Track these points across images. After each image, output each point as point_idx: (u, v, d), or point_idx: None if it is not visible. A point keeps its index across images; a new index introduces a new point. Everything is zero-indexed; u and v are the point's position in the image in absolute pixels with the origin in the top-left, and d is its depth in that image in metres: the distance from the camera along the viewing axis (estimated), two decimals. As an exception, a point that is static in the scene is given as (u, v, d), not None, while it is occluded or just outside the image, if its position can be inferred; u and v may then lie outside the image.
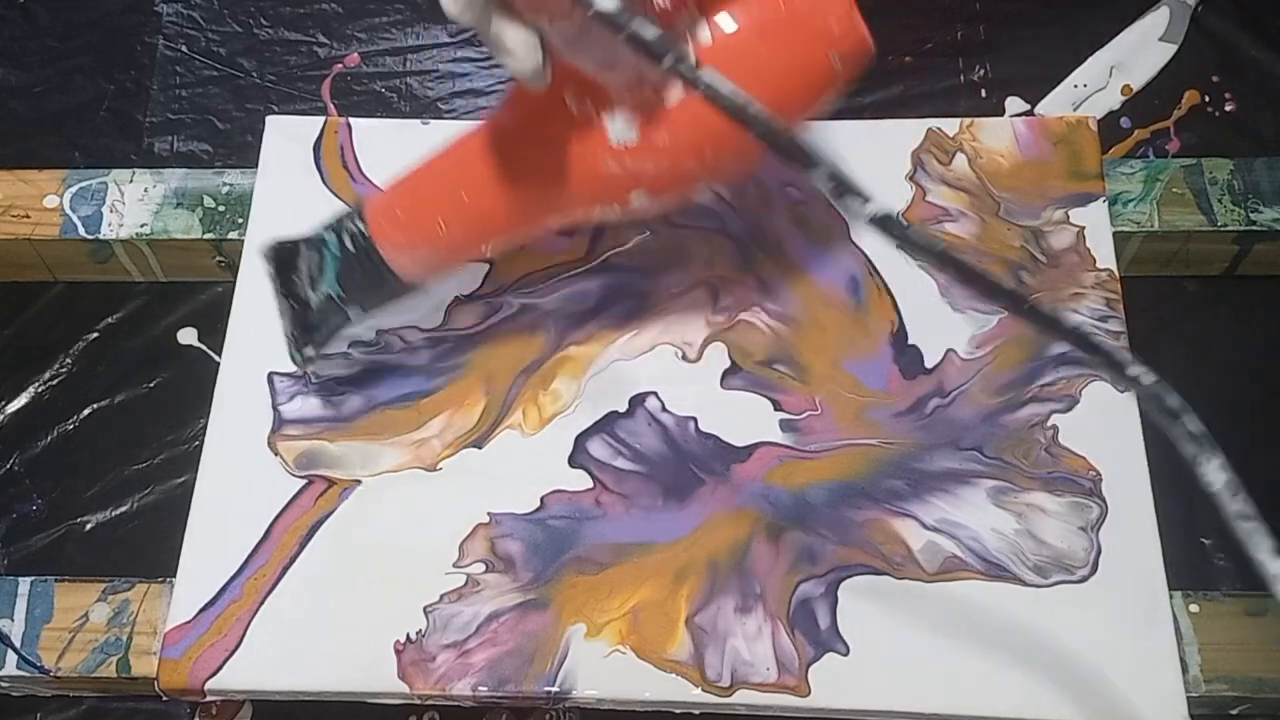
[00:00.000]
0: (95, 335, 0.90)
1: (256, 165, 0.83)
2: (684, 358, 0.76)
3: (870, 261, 0.78)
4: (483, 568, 0.70)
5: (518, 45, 0.52)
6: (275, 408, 0.75)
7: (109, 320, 0.90)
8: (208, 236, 0.84)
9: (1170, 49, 0.96)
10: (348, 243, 0.66)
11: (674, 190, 0.62)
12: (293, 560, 0.71)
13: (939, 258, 0.42)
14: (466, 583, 0.70)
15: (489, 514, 0.72)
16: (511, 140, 0.62)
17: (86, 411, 0.87)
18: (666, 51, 0.41)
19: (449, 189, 0.65)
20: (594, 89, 0.58)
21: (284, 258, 0.69)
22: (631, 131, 0.58)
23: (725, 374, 0.75)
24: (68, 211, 0.85)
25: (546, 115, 0.60)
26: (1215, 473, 0.41)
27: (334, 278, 0.67)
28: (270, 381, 0.76)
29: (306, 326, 0.69)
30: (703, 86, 0.42)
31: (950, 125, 0.82)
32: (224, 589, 0.70)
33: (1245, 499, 0.42)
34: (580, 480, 0.73)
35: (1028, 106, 0.95)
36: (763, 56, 0.58)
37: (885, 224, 0.42)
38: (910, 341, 0.75)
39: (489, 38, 0.52)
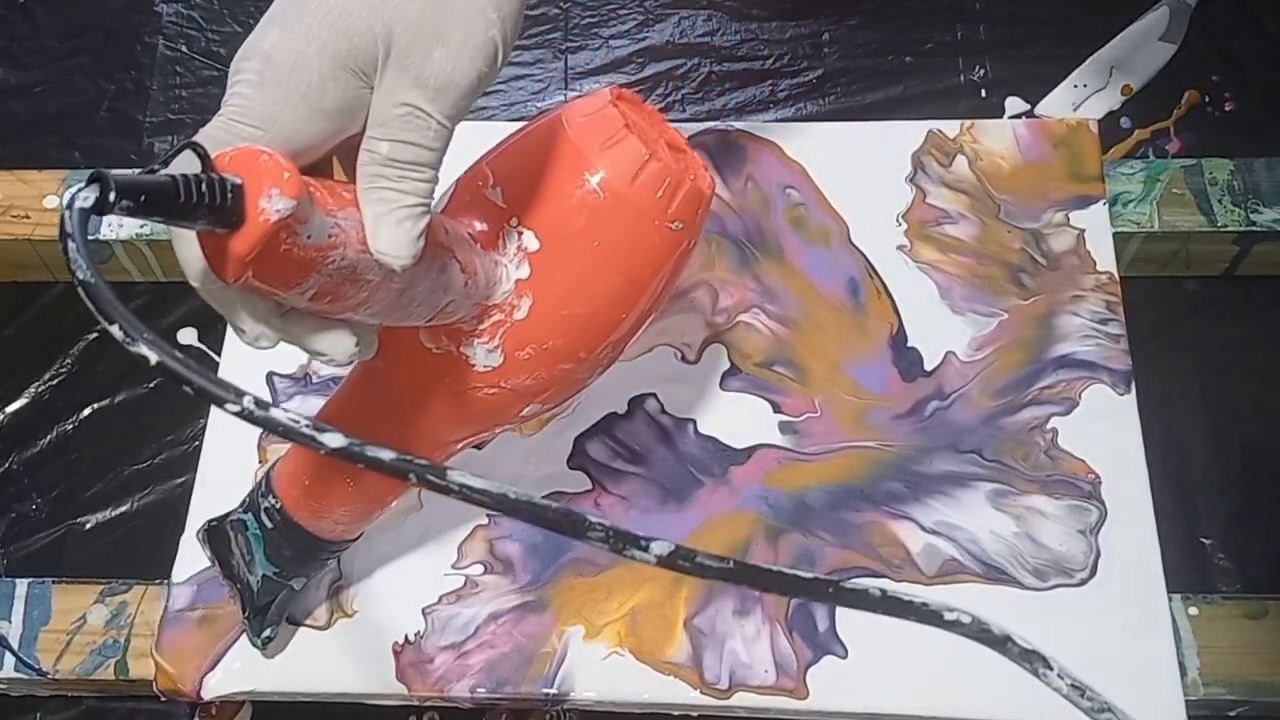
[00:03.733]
0: (95, 335, 0.90)
1: (256, 166, 0.83)
2: (683, 359, 0.76)
3: (870, 263, 0.78)
4: (481, 569, 0.70)
5: (331, 346, 0.47)
6: (275, 407, 0.75)
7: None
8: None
9: (1170, 49, 0.96)
10: (266, 520, 0.63)
11: (561, 392, 0.58)
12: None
13: (733, 575, 0.41)
14: (465, 584, 0.70)
15: (488, 515, 0.72)
16: (391, 386, 0.58)
17: (86, 411, 0.87)
18: (408, 470, 0.36)
19: None
20: (448, 331, 0.55)
21: (217, 541, 0.65)
22: (495, 356, 0.55)
23: (724, 376, 0.75)
24: (68, 212, 0.84)
25: (414, 358, 0.56)
26: (1057, 680, 0.44)
27: (264, 558, 0.63)
28: (270, 381, 0.76)
29: (256, 609, 0.65)
30: (456, 489, 0.38)
31: (950, 127, 0.82)
32: (221, 591, 0.70)
33: (1093, 694, 0.44)
34: (579, 481, 0.73)
35: (1028, 106, 0.95)
36: (595, 251, 0.54)
37: (673, 559, 0.40)
38: (910, 344, 0.75)
39: (300, 343, 0.47)
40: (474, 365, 0.55)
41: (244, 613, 0.65)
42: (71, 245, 0.35)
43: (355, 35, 0.44)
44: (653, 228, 0.54)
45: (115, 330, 0.35)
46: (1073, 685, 0.44)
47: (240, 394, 0.36)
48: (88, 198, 0.36)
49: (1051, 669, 0.44)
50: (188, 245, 0.44)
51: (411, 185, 0.45)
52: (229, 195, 0.39)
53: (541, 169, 0.54)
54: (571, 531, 0.39)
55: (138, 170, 0.38)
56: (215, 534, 0.65)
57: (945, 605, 0.44)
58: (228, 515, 0.65)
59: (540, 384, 0.56)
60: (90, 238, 0.83)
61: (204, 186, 0.39)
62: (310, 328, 0.47)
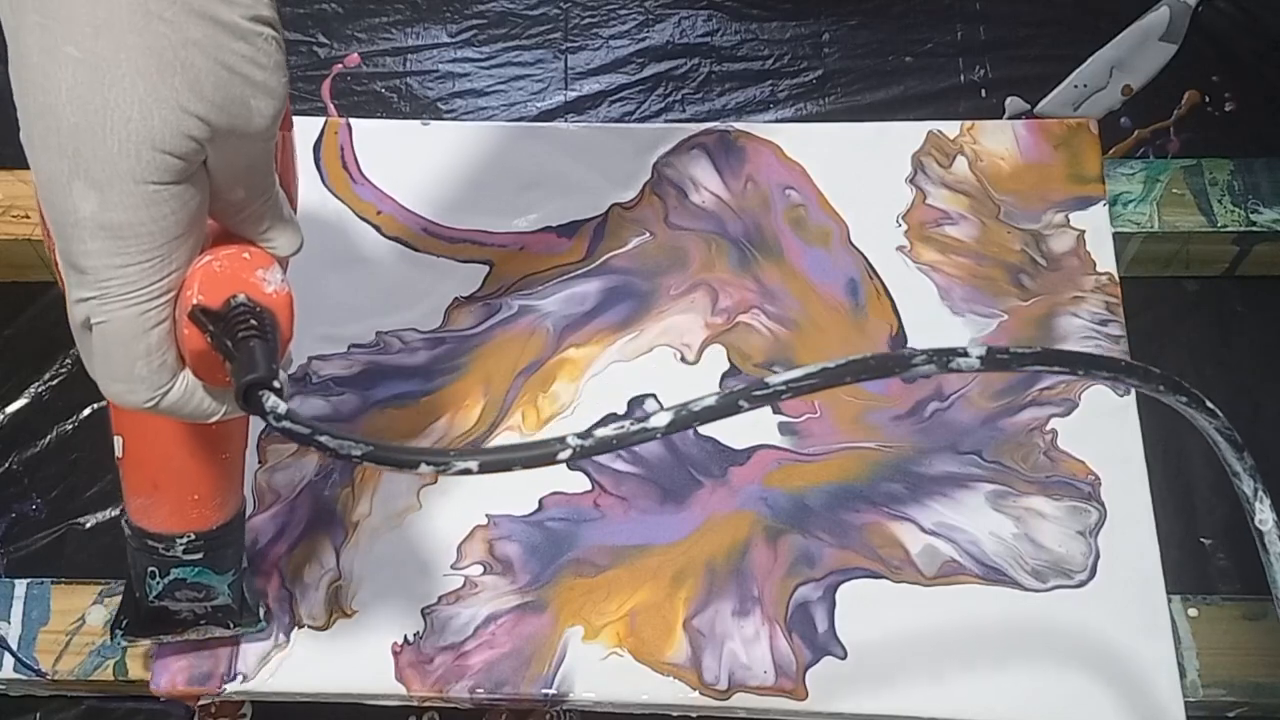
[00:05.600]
0: (95, 335, 0.90)
1: (256, 166, 0.83)
2: (683, 360, 0.76)
3: (869, 264, 0.78)
4: (481, 570, 0.70)
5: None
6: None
7: (108, 320, 0.90)
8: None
9: (1170, 49, 0.96)
10: (194, 558, 0.62)
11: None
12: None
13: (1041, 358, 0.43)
14: (464, 585, 0.70)
15: (487, 516, 0.72)
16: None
17: (86, 412, 0.87)
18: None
19: (184, 465, 0.59)
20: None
21: (160, 622, 0.65)
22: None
23: (724, 376, 0.75)
24: (67, 212, 0.84)
25: None
26: (1267, 513, 0.45)
27: (217, 577, 0.63)
28: (269, 382, 0.76)
29: (239, 613, 0.66)
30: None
31: (951, 128, 0.82)
32: (222, 591, 0.70)
33: None
34: (579, 482, 0.73)
35: (1028, 106, 0.95)
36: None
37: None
38: (909, 344, 0.75)
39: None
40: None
41: (234, 628, 0.66)
42: (325, 439, 0.41)
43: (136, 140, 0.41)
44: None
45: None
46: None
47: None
48: (279, 406, 0.42)
49: (1267, 499, 0.44)
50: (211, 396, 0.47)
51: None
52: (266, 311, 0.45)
53: None
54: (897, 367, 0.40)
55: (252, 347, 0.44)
56: (146, 622, 0.65)
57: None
58: (134, 605, 0.64)
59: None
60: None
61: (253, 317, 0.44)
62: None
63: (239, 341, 0.43)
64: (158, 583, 0.63)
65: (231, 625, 0.66)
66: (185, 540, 0.61)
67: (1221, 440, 0.44)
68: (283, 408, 0.41)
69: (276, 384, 0.42)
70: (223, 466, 0.60)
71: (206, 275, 0.44)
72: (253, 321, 0.44)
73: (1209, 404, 0.43)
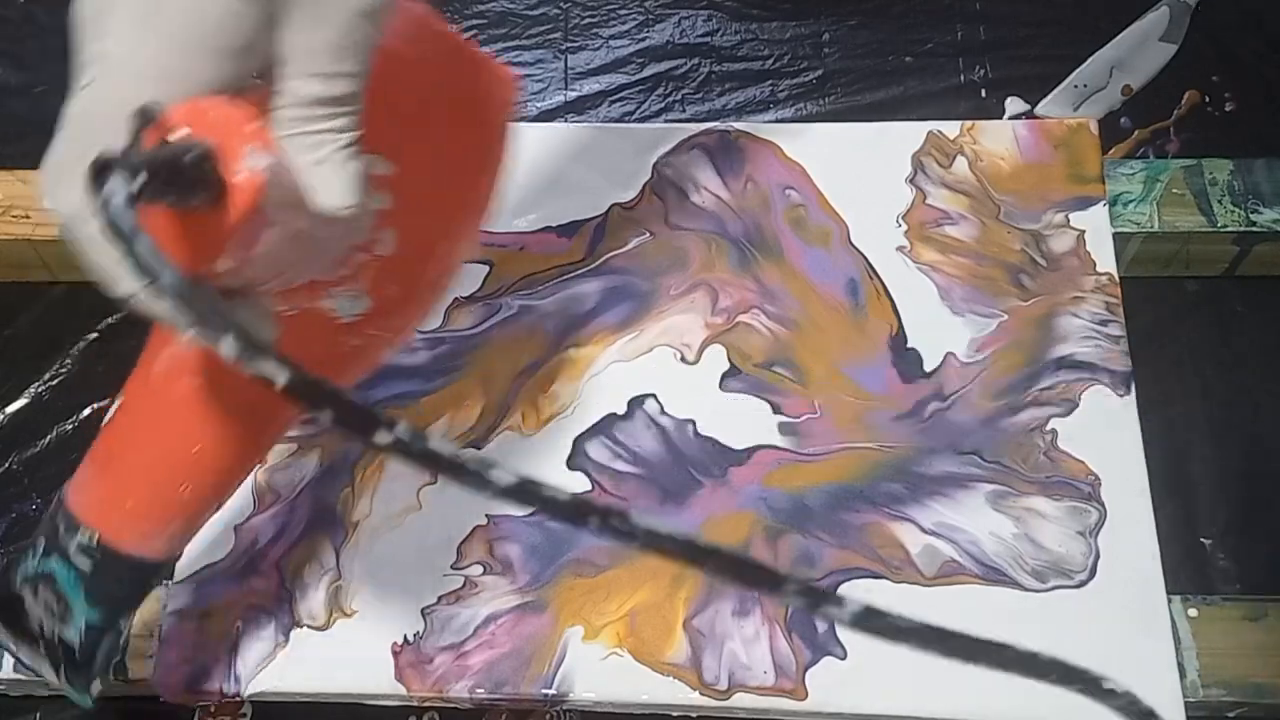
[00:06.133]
0: (95, 335, 0.90)
1: (256, 166, 0.83)
2: (683, 360, 0.76)
3: (869, 264, 0.78)
4: (480, 570, 0.70)
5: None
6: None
7: (109, 320, 0.90)
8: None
9: (1170, 49, 0.96)
10: (80, 561, 0.55)
11: (420, 315, 0.54)
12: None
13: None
14: (464, 585, 0.70)
15: (487, 516, 0.72)
16: (206, 370, 0.51)
17: (86, 412, 0.87)
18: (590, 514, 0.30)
19: (179, 451, 0.54)
20: (299, 290, 0.47)
21: (6, 612, 0.57)
22: (360, 302, 0.50)
23: (724, 376, 0.75)
24: (67, 212, 0.84)
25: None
26: None
27: (85, 604, 0.55)
28: (269, 383, 0.76)
29: (79, 666, 0.57)
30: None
31: (951, 128, 0.82)
32: (220, 591, 0.70)
33: None
34: (579, 482, 0.73)
35: (1028, 107, 0.95)
36: (441, 163, 0.51)
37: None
38: (909, 344, 0.75)
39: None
40: (339, 318, 0.50)
41: (61, 676, 0.57)
42: (141, 246, 0.31)
43: None
44: (493, 129, 0.53)
45: (225, 345, 0.31)
46: None
47: (393, 423, 0.31)
48: (117, 191, 0.32)
49: None
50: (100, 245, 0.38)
51: (343, 122, 0.41)
52: (206, 160, 0.35)
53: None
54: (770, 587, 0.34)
55: (119, 150, 0.34)
56: (6, 606, 0.57)
57: (1103, 675, 0.41)
58: (15, 576, 0.57)
59: (407, 318, 0.53)
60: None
61: (187, 155, 0.35)
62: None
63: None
64: (32, 562, 0.56)
65: (59, 674, 0.58)
66: (85, 536, 0.54)
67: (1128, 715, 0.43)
68: (121, 195, 0.32)
69: (137, 173, 0.32)
70: (195, 496, 0.55)
71: (191, 106, 0.37)
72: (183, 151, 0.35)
73: (1106, 685, 0.42)
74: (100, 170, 0.32)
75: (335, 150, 0.41)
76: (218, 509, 0.59)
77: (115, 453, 0.56)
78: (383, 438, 0.30)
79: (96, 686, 0.60)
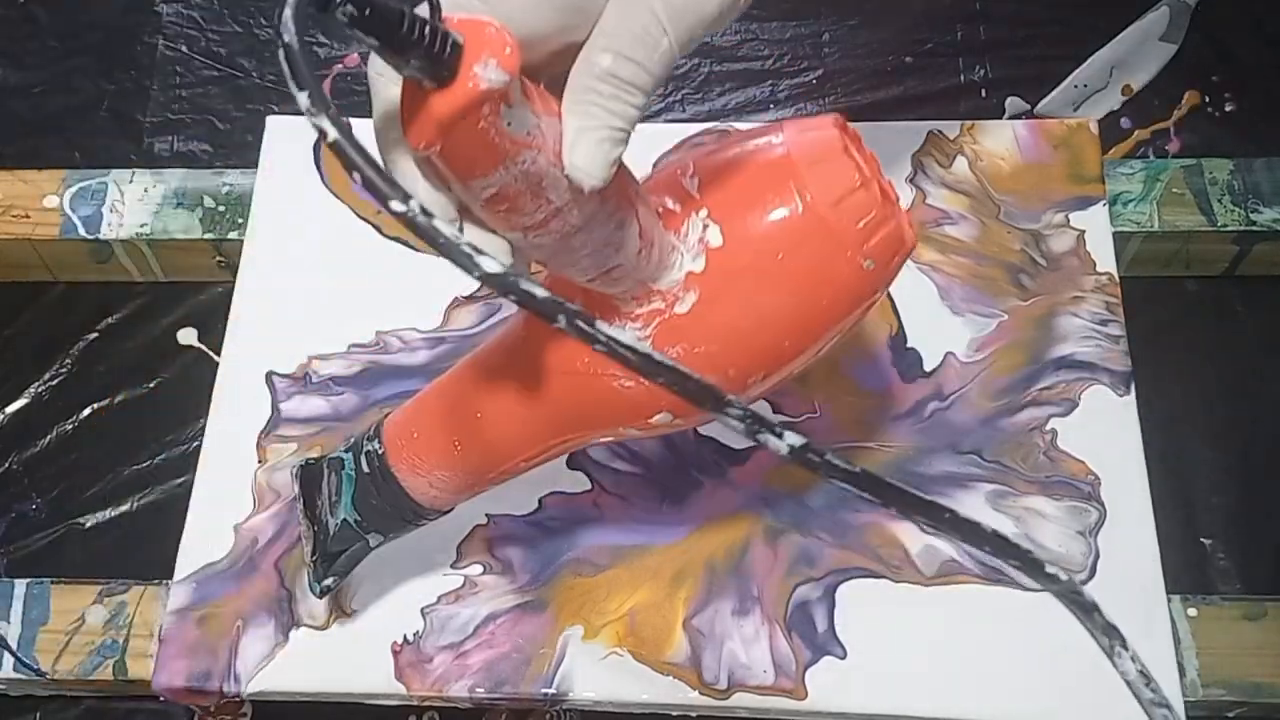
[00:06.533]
0: (95, 335, 0.90)
1: (256, 165, 0.83)
2: (683, 360, 0.76)
3: (869, 263, 0.78)
4: (480, 569, 0.70)
5: (491, 245, 0.46)
6: (275, 407, 0.75)
7: (109, 320, 0.91)
8: (208, 236, 0.84)
9: (1170, 49, 0.96)
10: (364, 465, 0.61)
11: (699, 411, 0.51)
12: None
13: (858, 481, 0.42)
14: (464, 584, 0.70)
15: (487, 515, 0.72)
16: (527, 359, 0.56)
17: (86, 411, 0.88)
18: (558, 311, 0.37)
19: (465, 408, 0.59)
20: (601, 303, 0.52)
21: (308, 477, 0.63)
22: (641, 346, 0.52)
23: (724, 376, 0.75)
24: (68, 211, 0.85)
25: (560, 333, 0.53)
26: (1128, 663, 0.45)
27: (350, 502, 0.61)
28: (269, 381, 0.76)
29: (326, 554, 0.63)
30: (603, 341, 0.38)
31: (951, 128, 0.82)
32: (220, 590, 0.70)
33: (1158, 687, 0.45)
34: (578, 482, 0.73)
35: (1028, 106, 0.95)
36: (778, 265, 0.51)
37: (804, 453, 0.40)
38: (909, 344, 0.75)
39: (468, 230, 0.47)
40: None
41: (313, 555, 0.63)
42: (288, 11, 0.35)
43: None
44: (844, 258, 0.51)
45: (302, 98, 0.35)
46: (1141, 672, 0.44)
47: (407, 197, 0.36)
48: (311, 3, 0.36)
49: (1126, 650, 0.44)
50: (386, 85, 0.43)
51: (621, 107, 0.43)
52: (449, 49, 0.39)
53: (745, 170, 0.52)
54: (712, 405, 0.40)
55: None
56: (308, 470, 0.63)
57: (1047, 560, 0.44)
58: (325, 454, 0.63)
59: None
60: (90, 237, 0.84)
61: (428, 30, 0.39)
62: (475, 223, 0.46)
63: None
64: (341, 446, 0.63)
65: (310, 551, 0.64)
66: (374, 445, 0.60)
67: (1069, 603, 0.44)
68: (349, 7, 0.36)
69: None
70: (463, 456, 0.59)
71: (475, 19, 0.41)
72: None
73: (1049, 569, 0.44)
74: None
75: (601, 125, 0.43)
76: (480, 486, 0.61)
77: (433, 388, 0.61)
78: (398, 206, 0.35)
79: (330, 583, 0.64)
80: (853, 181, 0.51)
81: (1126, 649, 0.45)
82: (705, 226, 0.52)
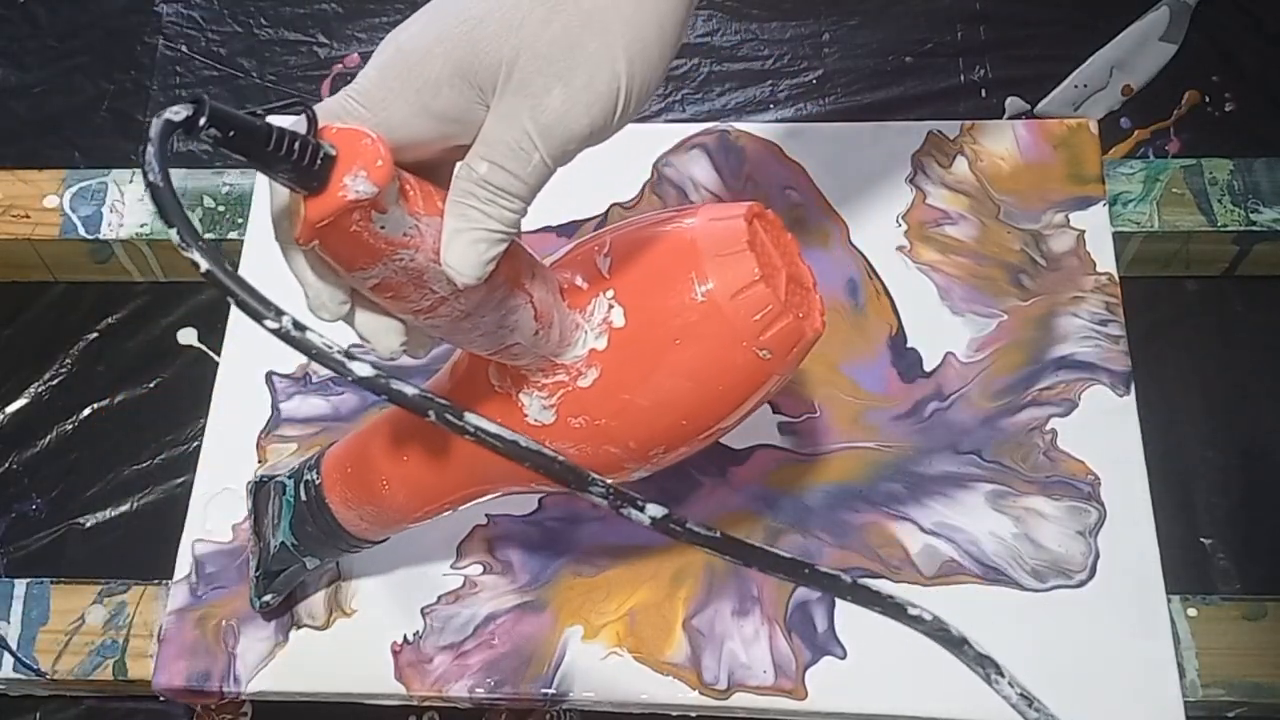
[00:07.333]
0: (95, 335, 0.90)
1: (256, 166, 0.83)
2: (682, 360, 0.76)
3: (869, 264, 0.78)
4: (480, 569, 0.70)
5: (376, 336, 0.49)
6: (274, 407, 0.75)
7: (109, 320, 0.91)
8: (208, 236, 0.84)
9: (1170, 49, 0.96)
10: (302, 493, 0.63)
11: (603, 472, 0.52)
12: (291, 562, 0.71)
13: (719, 545, 0.44)
14: (464, 584, 0.70)
15: (486, 515, 0.72)
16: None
17: (86, 411, 0.88)
18: (427, 406, 0.40)
19: (394, 451, 0.60)
20: (512, 372, 0.54)
21: (261, 496, 0.66)
22: (547, 414, 0.54)
23: (724, 376, 0.75)
24: (68, 211, 0.85)
25: (478, 389, 0.56)
26: (1007, 688, 0.46)
27: (288, 526, 0.64)
28: (269, 381, 0.76)
29: (267, 573, 0.66)
30: (471, 431, 0.41)
31: (951, 128, 0.82)
32: (220, 591, 0.70)
33: (1041, 706, 0.47)
34: (578, 482, 0.72)
35: (1028, 106, 0.95)
36: (675, 350, 0.53)
37: (665, 523, 0.44)
38: (909, 344, 0.75)
39: (351, 322, 0.49)
40: (525, 416, 0.55)
41: (255, 570, 0.66)
42: (150, 150, 0.37)
43: (483, 50, 0.44)
44: (740, 348, 0.52)
45: (173, 234, 0.37)
46: (1021, 695, 0.46)
47: (280, 313, 0.38)
48: (179, 112, 0.38)
49: (1003, 676, 0.46)
50: (279, 188, 0.45)
51: (497, 211, 0.45)
52: (319, 161, 0.41)
53: (653, 254, 0.54)
54: (575, 484, 0.43)
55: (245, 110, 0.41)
56: (260, 488, 0.66)
57: (909, 601, 0.45)
58: (276, 475, 0.65)
59: (582, 457, 0.55)
60: (90, 237, 0.84)
61: (296, 144, 0.41)
62: (365, 309, 0.48)
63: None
64: (284, 471, 0.64)
65: (253, 567, 0.66)
66: (312, 475, 0.62)
67: (938, 640, 0.46)
68: (180, 116, 0.38)
69: (209, 109, 0.38)
70: (389, 496, 0.60)
71: (352, 130, 0.43)
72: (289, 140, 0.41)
73: (912, 611, 0.45)
74: (191, 100, 0.39)
75: (477, 227, 0.45)
76: (405, 523, 0.62)
77: (367, 427, 0.62)
78: (270, 324, 0.39)
79: (269, 599, 0.67)
80: (752, 275, 0.52)
81: (1003, 675, 0.46)
82: (610, 307, 0.53)
